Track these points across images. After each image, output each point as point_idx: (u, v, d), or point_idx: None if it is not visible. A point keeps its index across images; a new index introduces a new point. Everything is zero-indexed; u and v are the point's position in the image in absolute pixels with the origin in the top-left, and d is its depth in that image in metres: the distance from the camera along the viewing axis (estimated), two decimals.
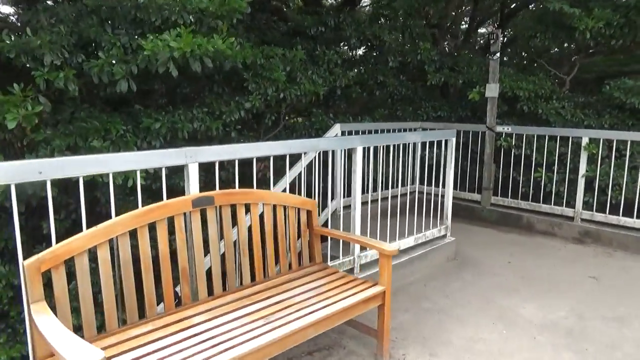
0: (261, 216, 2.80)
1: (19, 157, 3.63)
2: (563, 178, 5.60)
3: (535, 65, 6.94)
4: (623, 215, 5.09)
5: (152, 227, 2.33)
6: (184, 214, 2.44)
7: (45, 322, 1.76)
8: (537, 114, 5.89)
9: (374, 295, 2.66)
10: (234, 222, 2.69)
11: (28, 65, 2.95)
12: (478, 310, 3.56)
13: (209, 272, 2.57)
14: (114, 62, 3.06)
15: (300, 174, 3.86)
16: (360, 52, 7.32)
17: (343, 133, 5.45)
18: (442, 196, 4.58)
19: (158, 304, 2.38)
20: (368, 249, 3.76)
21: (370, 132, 5.91)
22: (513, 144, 5.91)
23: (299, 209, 3.00)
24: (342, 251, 3.56)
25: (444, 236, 4.61)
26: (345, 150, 4.17)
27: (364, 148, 3.50)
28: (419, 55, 6.44)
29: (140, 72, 3.14)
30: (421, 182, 6.48)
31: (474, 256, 4.77)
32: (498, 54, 5.79)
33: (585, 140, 5.23)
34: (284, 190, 3.38)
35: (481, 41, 9.19)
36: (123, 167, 2.25)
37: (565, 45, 6.10)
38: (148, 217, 2.28)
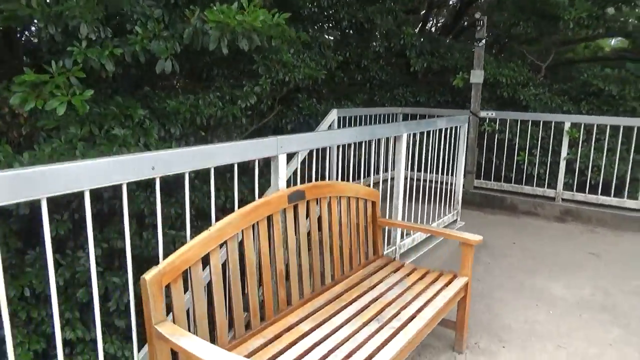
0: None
1: (15, 149, 3.07)
2: (544, 161, 5.91)
3: (502, 52, 7.21)
4: (601, 194, 5.49)
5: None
6: (279, 211, 2.19)
7: (198, 346, 1.48)
8: (517, 100, 6.14)
9: (461, 288, 2.60)
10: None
11: (55, 39, 2.45)
12: (514, 292, 3.65)
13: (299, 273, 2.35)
14: (150, 37, 2.65)
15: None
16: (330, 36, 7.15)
17: (339, 119, 5.31)
18: (451, 184, 4.62)
19: None
20: (405, 237, 3.69)
21: (362, 118, 5.82)
22: (496, 128, 6.12)
23: (365, 201, 2.84)
24: (386, 241, 3.46)
25: (455, 221, 4.68)
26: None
27: (408, 135, 3.41)
28: (402, 40, 6.42)
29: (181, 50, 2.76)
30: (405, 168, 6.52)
31: None
32: (484, 41, 5.93)
33: (567, 125, 5.54)
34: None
35: (439, 25, 9.38)
36: (227, 160, 1.96)
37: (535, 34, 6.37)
38: (253, 216, 2.01)
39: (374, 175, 4.35)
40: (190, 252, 1.75)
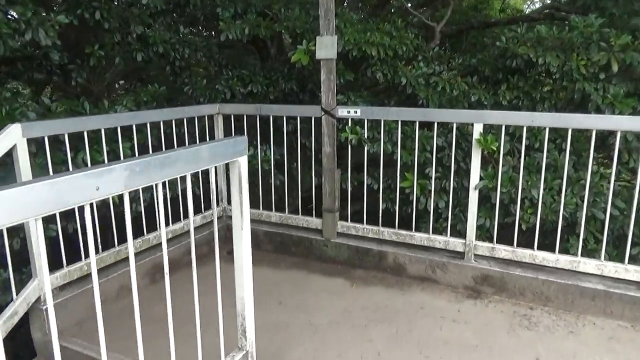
0: None
1: None
2: (444, 188, 3.47)
3: (374, 7, 4.69)
4: (539, 249, 3.13)
5: None
6: None
7: None
8: (399, 85, 3.63)
9: None
10: None
11: None
12: None
13: None
14: None
15: None
16: None
17: (30, 142, 2.57)
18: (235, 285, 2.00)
19: None
20: None
21: (78, 136, 2.94)
22: (366, 135, 3.58)
23: None
24: None
25: None
26: None
27: None
28: None
29: None
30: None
31: None
32: None
33: (478, 129, 3.11)
34: None
35: None
36: None
37: None
38: None
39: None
40: None
